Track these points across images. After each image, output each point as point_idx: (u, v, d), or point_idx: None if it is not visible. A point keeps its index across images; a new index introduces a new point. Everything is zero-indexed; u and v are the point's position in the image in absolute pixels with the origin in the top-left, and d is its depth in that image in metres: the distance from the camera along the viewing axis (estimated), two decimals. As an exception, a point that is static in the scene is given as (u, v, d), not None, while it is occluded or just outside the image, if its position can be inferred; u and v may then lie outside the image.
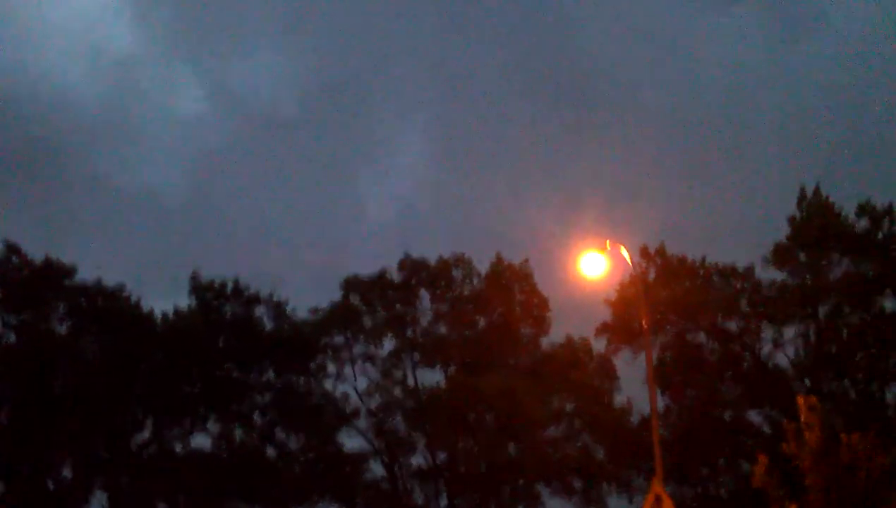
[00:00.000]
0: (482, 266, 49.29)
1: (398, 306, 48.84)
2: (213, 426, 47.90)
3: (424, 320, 49.09)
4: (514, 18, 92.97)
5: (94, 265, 47.41)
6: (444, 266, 48.72)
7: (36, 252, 46.01)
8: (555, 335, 48.66)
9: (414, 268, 48.75)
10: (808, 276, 43.08)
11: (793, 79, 79.94)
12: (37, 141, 74.50)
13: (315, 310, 48.18)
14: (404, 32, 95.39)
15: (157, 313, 47.59)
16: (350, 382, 49.03)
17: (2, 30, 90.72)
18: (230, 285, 48.18)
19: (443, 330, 49.08)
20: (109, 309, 46.08)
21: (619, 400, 47.70)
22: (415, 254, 49.37)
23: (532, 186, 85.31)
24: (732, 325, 44.54)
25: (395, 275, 49.03)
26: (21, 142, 71.57)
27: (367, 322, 48.53)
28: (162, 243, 69.42)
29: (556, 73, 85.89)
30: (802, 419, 24.71)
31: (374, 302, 48.73)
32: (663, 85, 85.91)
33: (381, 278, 48.73)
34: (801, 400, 25.39)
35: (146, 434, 47.44)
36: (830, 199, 43.02)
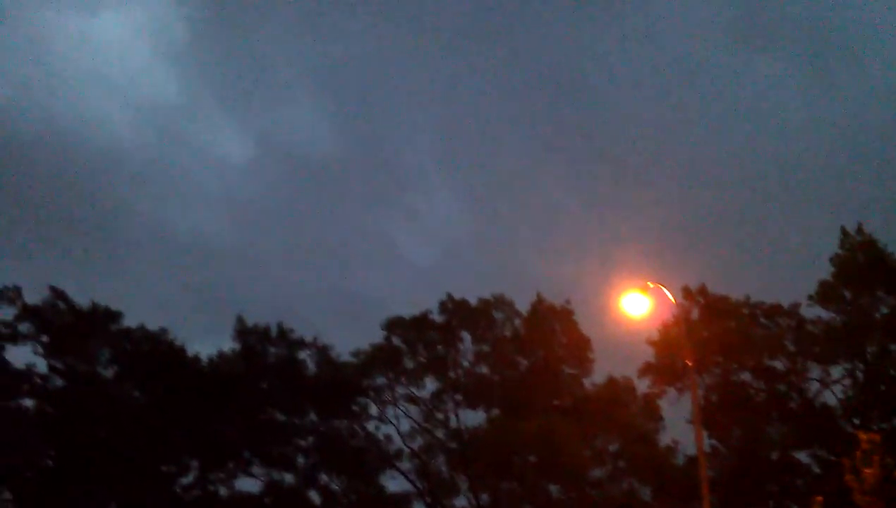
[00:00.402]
0: (523, 307, 49.38)
1: (440, 347, 49.00)
2: (257, 469, 47.88)
3: (466, 361, 49.25)
4: (552, 72, 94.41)
5: (140, 309, 47.93)
6: (486, 306, 49.00)
7: (82, 298, 46.82)
8: (597, 375, 48.65)
9: (455, 310, 49.10)
10: (853, 314, 42.51)
11: (829, 121, 79.97)
12: (84, 187, 76.39)
13: (357, 353, 48.66)
14: (446, 83, 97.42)
15: (202, 357, 48.24)
16: (392, 424, 49.19)
17: (52, 82, 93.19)
18: (274, 329, 48.58)
19: (484, 370, 49.08)
20: (153, 353, 46.53)
21: (664, 440, 47.30)
22: (456, 296, 49.48)
23: (573, 228, 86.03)
24: (778, 364, 44.13)
25: (437, 317, 49.17)
26: (68, 189, 73.50)
27: (409, 363, 48.91)
28: (207, 288, 70.47)
29: (592, 121, 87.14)
30: (859, 455, 24.58)
31: (415, 343, 48.89)
32: (700, 128, 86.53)
33: (422, 319, 49.05)
34: (862, 436, 25.28)
35: (190, 477, 47.56)
36: (873, 237, 42.54)
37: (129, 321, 47.22)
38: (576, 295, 49.15)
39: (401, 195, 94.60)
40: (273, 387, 48.03)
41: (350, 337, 49.52)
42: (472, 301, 49.48)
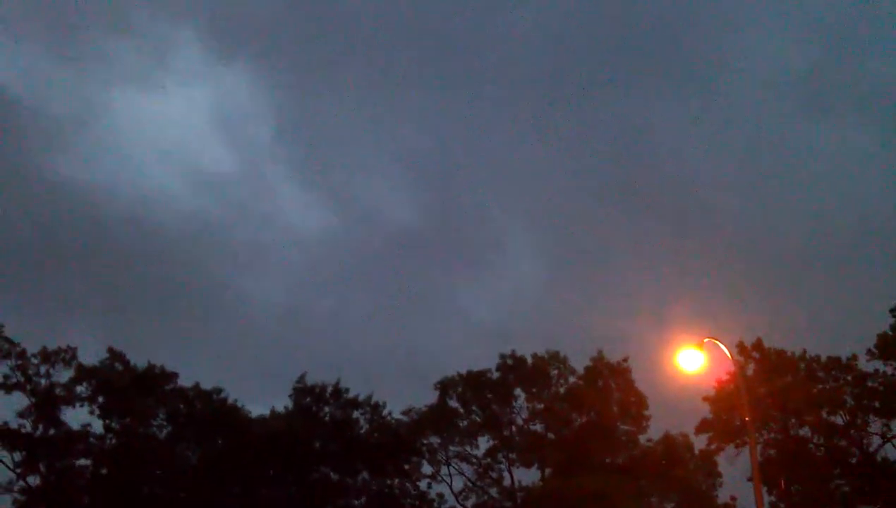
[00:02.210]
0: (580, 364, 50.10)
1: (494, 406, 49.54)
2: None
3: (520, 419, 49.84)
4: (622, 145, 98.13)
5: (197, 371, 49.52)
6: (541, 364, 49.52)
7: (140, 359, 48.47)
8: (653, 432, 49.12)
9: (510, 367, 49.58)
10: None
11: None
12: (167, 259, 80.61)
13: (408, 411, 49.43)
14: (525, 156, 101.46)
15: (256, 415, 49.50)
16: (446, 482, 49.78)
17: (129, 160, 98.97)
18: (330, 388, 49.64)
19: (539, 428, 49.61)
20: (207, 413, 47.66)
21: (722, 497, 47.42)
22: (512, 352, 50.40)
23: (630, 286, 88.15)
24: (838, 419, 44.10)
25: (495, 374, 50.02)
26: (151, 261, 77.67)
27: (463, 421, 49.39)
28: (270, 352, 73.28)
29: (656, 184, 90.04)
30: None
31: (470, 401, 49.51)
32: (760, 188, 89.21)
33: (478, 376, 49.85)
34: None
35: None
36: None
37: (185, 381, 48.70)
38: (631, 351, 49.78)
39: (472, 261, 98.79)
40: (326, 446, 48.87)
41: (412, 396, 50.27)
42: (528, 357, 50.17)
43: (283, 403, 49.90)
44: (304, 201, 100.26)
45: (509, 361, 50.13)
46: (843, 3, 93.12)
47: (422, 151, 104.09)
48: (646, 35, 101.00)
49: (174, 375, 48.32)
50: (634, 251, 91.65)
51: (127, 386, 47.22)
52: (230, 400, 48.69)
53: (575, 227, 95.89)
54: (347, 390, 50.11)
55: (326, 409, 49.98)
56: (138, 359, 48.25)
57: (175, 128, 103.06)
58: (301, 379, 49.80)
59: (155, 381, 47.87)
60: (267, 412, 49.57)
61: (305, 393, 49.72)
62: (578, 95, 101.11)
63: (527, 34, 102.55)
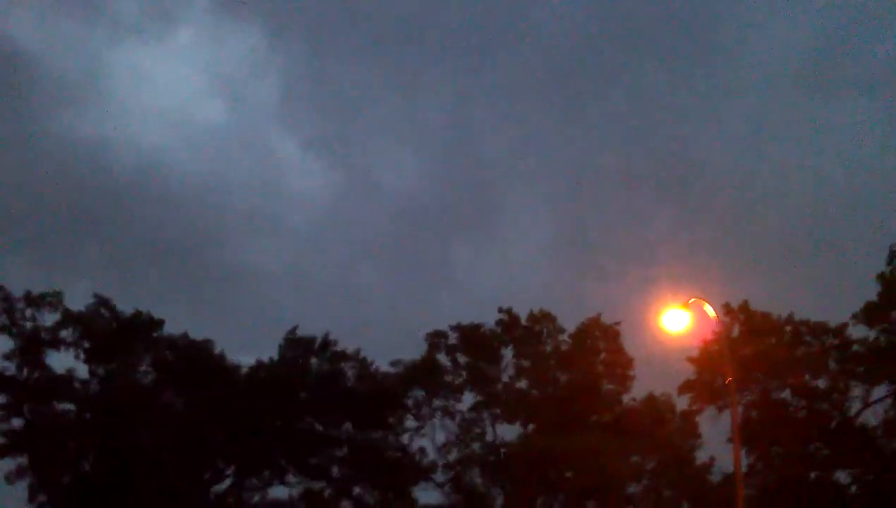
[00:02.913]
0: (573, 326, 50.87)
1: (482, 362, 49.94)
2: (291, 478, 49.35)
3: (506, 375, 50.29)
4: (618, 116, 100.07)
5: (188, 323, 50.30)
6: (532, 322, 50.08)
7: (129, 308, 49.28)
8: (638, 391, 49.90)
9: (504, 324, 50.15)
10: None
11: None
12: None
13: (396, 362, 49.94)
14: (535, 127, 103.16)
15: (244, 366, 50.10)
16: (429, 436, 50.36)
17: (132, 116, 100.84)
18: (319, 341, 50.12)
19: (524, 385, 50.11)
20: (193, 361, 48.06)
21: (702, 457, 48.29)
22: (509, 308, 51.15)
23: (619, 248, 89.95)
24: (820, 383, 44.74)
25: (485, 329, 50.59)
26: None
27: (449, 376, 49.84)
28: (267, 309, 74.84)
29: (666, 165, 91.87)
30: None
31: (457, 356, 50.00)
32: (754, 156, 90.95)
33: (468, 331, 50.28)
34: None
35: (226, 484, 49.08)
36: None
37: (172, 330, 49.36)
38: (620, 313, 50.43)
39: (475, 228, 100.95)
40: (312, 397, 49.54)
41: (402, 352, 51.07)
42: (523, 318, 50.98)
43: (272, 356, 50.43)
44: (309, 165, 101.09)
45: (505, 318, 50.56)
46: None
47: (432, 121, 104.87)
48: (657, 16, 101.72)
49: (160, 322, 48.76)
50: (631, 218, 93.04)
51: (112, 332, 47.66)
52: (217, 350, 49.23)
53: (576, 199, 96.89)
54: (336, 342, 50.66)
55: (314, 361, 50.44)
56: (127, 308, 48.68)
57: (178, 86, 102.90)
58: (292, 331, 50.27)
59: (141, 328, 48.27)
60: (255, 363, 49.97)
61: (294, 345, 50.15)
62: (589, 72, 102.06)
63: (545, 14, 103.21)
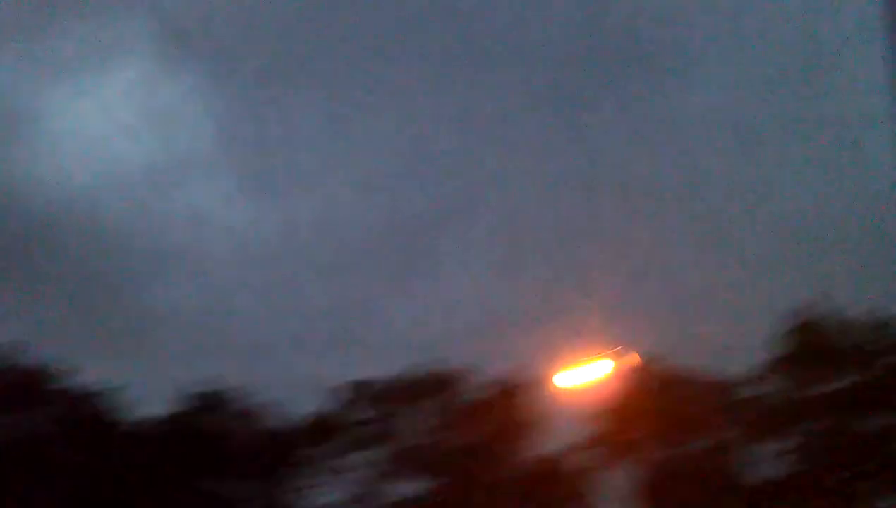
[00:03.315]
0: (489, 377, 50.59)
1: (390, 415, 49.75)
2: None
3: (411, 431, 49.82)
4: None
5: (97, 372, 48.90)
6: (448, 377, 49.93)
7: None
8: (544, 445, 49.53)
9: (418, 379, 49.92)
10: (806, 390, 44.29)
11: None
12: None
13: (297, 417, 49.23)
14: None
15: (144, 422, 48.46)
16: (327, 493, 49.73)
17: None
18: (220, 395, 49.32)
19: (429, 441, 49.79)
20: (91, 416, 46.60)
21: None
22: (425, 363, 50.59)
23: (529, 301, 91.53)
24: (728, 439, 45.46)
25: (397, 383, 50.23)
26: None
27: (353, 431, 49.32)
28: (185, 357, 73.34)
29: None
30: None
31: (361, 410, 49.67)
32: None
33: (369, 386, 49.81)
34: None
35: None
36: (824, 316, 44.25)
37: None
38: (527, 367, 50.53)
39: (410, 274, 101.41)
40: (205, 454, 48.22)
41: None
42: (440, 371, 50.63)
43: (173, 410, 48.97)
44: (239, 209, 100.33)
45: (420, 372, 50.39)
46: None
47: (369, 161, 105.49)
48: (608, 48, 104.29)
49: (62, 373, 47.23)
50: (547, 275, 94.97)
51: (10, 384, 46.16)
52: (117, 403, 47.81)
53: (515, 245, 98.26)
54: (237, 398, 49.54)
55: (213, 416, 49.38)
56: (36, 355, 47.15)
57: (109, 125, 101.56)
58: (194, 383, 49.14)
59: (41, 379, 46.76)
60: (157, 416, 48.66)
61: (195, 398, 49.10)
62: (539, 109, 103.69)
63: (491, 45, 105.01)
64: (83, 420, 46.78)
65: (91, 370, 54.50)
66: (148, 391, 55.49)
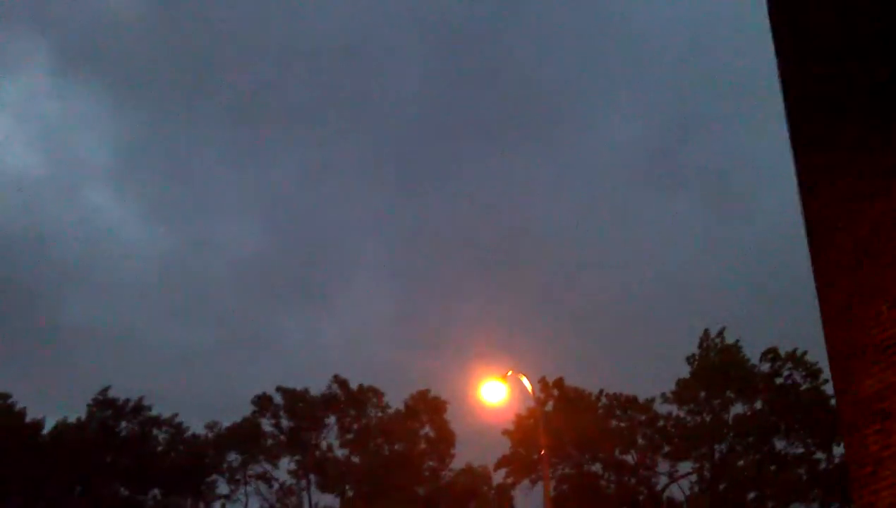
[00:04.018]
0: (398, 398, 51.53)
1: (305, 427, 49.86)
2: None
3: (325, 443, 50.22)
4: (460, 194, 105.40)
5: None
6: (360, 394, 50.23)
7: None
8: (457, 461, 50.54)
9: (331, 393, 50.16)
10: (705, 415, 45.28)
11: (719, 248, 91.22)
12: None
13: (213, 424, 49.09)
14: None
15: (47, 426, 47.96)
16: (241, 502, 49.79)
17: None
18: (132, 404, 48.75)
19: (345, 455, 50.06)
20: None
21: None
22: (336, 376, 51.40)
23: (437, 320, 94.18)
24: (629, 458, 46.36)
25: (312, 395, 50.42)
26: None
27: (269, 440, 49.28)
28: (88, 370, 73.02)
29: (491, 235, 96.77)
30: None
31: (280, 420, 49.71)
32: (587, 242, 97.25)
33: (291, 395, 49.82)
34: None
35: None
36: (737, 343, 45.40)
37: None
38: (445, 385, 51.63)
39: (309, 298, 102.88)
40: (118, 461, 47.82)
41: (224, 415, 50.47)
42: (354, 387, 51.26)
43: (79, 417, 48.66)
44: (145, 227, 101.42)
45: (334, 386, 50.64)
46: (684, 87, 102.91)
47: (274, 187, 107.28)
48: (504, 102, 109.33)
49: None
50: (464, 295, 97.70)
51: None
52: (18, 407, 47.16)
53: (414, 272, 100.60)
54: (150, 407, 49.47)
55: (123, 424, 48.96)
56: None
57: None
58: (103, 392, 48.80)
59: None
60: (70, 423, 48.20)
61: (104, 407, 48.64)
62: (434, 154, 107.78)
63: (395, 98, 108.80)
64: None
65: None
66: (60, 399, 55.37)
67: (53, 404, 52.15)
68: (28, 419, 47.69)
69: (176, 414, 49.76)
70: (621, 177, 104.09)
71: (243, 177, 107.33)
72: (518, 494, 48.51)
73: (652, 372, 50.25)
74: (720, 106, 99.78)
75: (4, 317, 78.93)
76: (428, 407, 50.85)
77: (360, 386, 51.01)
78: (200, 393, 65.08)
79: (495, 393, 25.38)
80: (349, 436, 50.64)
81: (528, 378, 25.42)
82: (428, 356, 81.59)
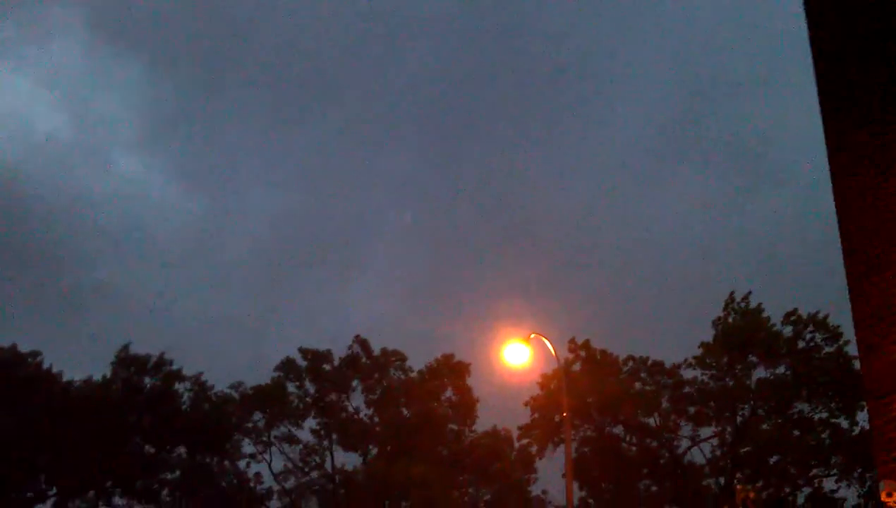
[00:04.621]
0: (421, 362, 52.12)
1: (329, 388, 50.25)
2: (118, 500, 48.40)
3: (351, 406, 50.67)
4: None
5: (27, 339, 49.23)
6: (384, 358, 50.57)
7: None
8: (481, 422, 51.37)
9: (354, 355, 50.57)
10: (728, 379, 45.21)
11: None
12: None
13: (237, 385, 49.48)
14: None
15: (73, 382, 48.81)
16: (266, 462, 50.35)
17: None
18: (153, 360, 49.44)
19: (368, 416, 50.46)
20: (16, 374, 46.31)
21: (536, 491, 49.80)
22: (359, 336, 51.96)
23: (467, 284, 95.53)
24: (651, 421, 46.39)
25: (335, 358, 51.08)
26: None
27: (294, 401, 49.60)
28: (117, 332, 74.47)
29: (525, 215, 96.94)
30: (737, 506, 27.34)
31: (304, 382, 50.03)
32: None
33: (315, 357, 50.17)
34: (738, 487, 27.93)
35: (48, 505, 47.62)
36: (761, 306, 45.16)
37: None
38: (471, 349, 52.04)
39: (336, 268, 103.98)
40: (144, 419, 48.28)
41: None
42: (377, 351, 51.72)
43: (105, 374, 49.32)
44: (181, 194, 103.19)
45: (357, 347, 51.08)
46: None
47: (303, 155, 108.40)
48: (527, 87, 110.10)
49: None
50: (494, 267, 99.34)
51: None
52: (46, 365, 47.75)
53: (441, 238, 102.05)
54: (171, 362, 49.99)
55: (147, 380, 49.42)
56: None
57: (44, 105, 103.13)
58: (124, 348, 49.24)
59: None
60: (95, 380, 48.89)
61: (126, 364, 49.08)
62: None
63: (419, 53, 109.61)
64: (10, 378, 46.36)
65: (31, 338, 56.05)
66: (87, 360, 56.22)
67: (81, 365, 53.28)
68: (55, 377, 48.27)
69: (201, 373, 50.30)
70: (650, 146, 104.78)
71: (271, 145, 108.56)
72: (545, 453, 48.83)
73: (681, 340, 50.26)
74: (746, 75, 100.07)
75: (36, 280, 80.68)
76: (451, 370, 51.29)
77: (384, 349, 51.46)
78: (226, 356, 66.32)
79: (518, 355, 25.58)
80: (372, 397, 51.14)
81: (552, 341, 25.64)
82: (453, 321, 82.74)
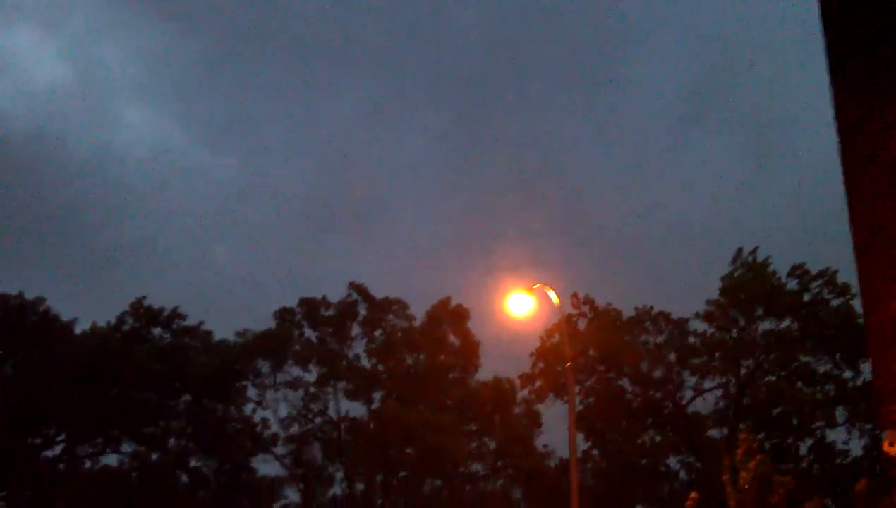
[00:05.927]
0: (422, 307, 52.27)
1: (330, 336, 50.28)
2: (126, 447, 48.86)
3: (352, 353, 50.73)
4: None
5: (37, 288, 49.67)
6: (384, 305, 50.57)
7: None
8: (485, 372, 51.52)
9: (353, 301, 50.56)
10: (734, 331, 45.23)
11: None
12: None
13: (242, 332, 49.61)
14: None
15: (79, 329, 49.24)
16: (272, 409, 50.63)
17: None
18: (166, 313, 50.11)
19: (372, 364, 50.59)
20: (23, 320, 46.52)
21: (541, 442, 49.96)
22: (357, 283, 51.93)
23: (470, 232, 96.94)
24: (656, 373, 46.47)
25: (334, 305, 50.97)
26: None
27: (297, 348, 49.76)
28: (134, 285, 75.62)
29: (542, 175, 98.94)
30: (740, 455, 27.50)
31: (304, 330, 50.16)
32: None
33: (314, 305, 50.16)
34: (742, 436, 28.11)
35: (57, 449, 47.94)
36: (768, 260, 45.08)
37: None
38: (472, 296, 52.08)
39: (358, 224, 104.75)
40: (149, 366, 48.50)
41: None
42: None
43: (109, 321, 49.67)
44: (204, 153, 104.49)
45: (353, 294, 51.09)
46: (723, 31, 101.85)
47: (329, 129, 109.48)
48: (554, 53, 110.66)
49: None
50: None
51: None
52: (52, 312, 47.90)
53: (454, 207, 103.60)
54: (185, 316, 50.48)
55: (155, 331, 49.70)
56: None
57: (80, 69, 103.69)
58: (139, 300, 49.47)
59: None
60: (106, 327, 49.33)
61: (139, 315, 49.33)
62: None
63: (447, 36, 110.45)
64: (17, 323, 46.58)
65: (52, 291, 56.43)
66: (102, 307, 56.55)
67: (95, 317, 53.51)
68: (60, 323, 48.43)
69: (202, 322, 50.59)
70: (671, 114, 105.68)
71: (297, 111, 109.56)
72: (544, 407, 49.20)
73: (692, 297, 50.37)
74: (765, 47, 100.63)
75: (55, 235, 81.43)
76: (450, 316, 51.45)
77: (386, 297, 51.55)
78: (234, 312, 66.72)
79: (522, 305, 25.49)
80: (373, 345, 51.38)
81: (559, 293, 25.53)
82: (459, 271, 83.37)
